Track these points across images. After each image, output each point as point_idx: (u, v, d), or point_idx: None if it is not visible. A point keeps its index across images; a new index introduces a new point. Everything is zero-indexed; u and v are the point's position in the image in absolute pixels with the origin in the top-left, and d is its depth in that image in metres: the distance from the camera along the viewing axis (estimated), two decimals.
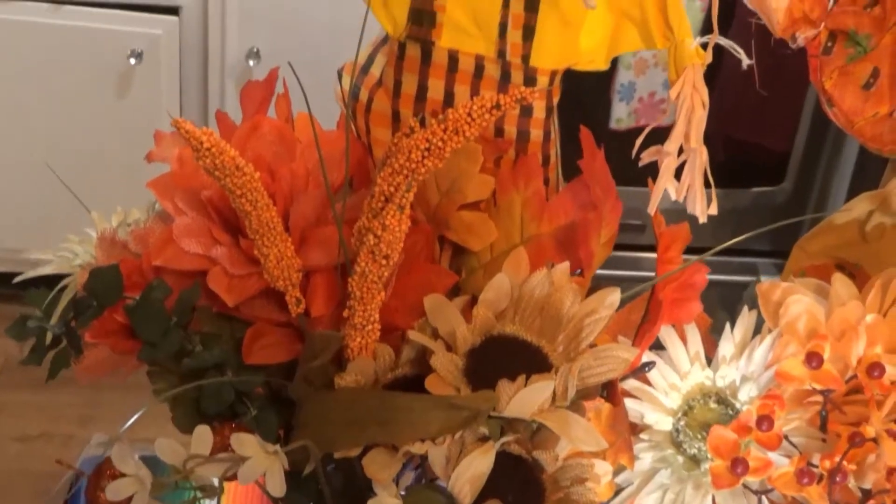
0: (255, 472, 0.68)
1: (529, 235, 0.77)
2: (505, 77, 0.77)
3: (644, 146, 0.75)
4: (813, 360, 0.73)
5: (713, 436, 0.73)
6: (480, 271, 0.79)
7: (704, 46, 0.74)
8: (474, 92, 0.77)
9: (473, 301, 0.75)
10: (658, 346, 0.81)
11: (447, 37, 0.76)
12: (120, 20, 2.10)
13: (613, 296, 0.73)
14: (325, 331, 0.72)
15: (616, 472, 0.78)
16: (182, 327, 0.76)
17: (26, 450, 2.11)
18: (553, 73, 0.77)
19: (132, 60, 2.10)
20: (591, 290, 0.74)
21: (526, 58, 0.76)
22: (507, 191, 0.77)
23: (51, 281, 0.86)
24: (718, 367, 0.81)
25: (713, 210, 0.74)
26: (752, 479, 0.73)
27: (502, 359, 0.72)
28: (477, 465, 0.68)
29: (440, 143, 0.68)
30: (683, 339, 0.81)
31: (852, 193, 2.30)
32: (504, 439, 0.70)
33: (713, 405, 0.80)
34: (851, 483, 0.73)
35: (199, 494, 0.70)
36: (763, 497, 0.76)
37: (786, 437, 0.75)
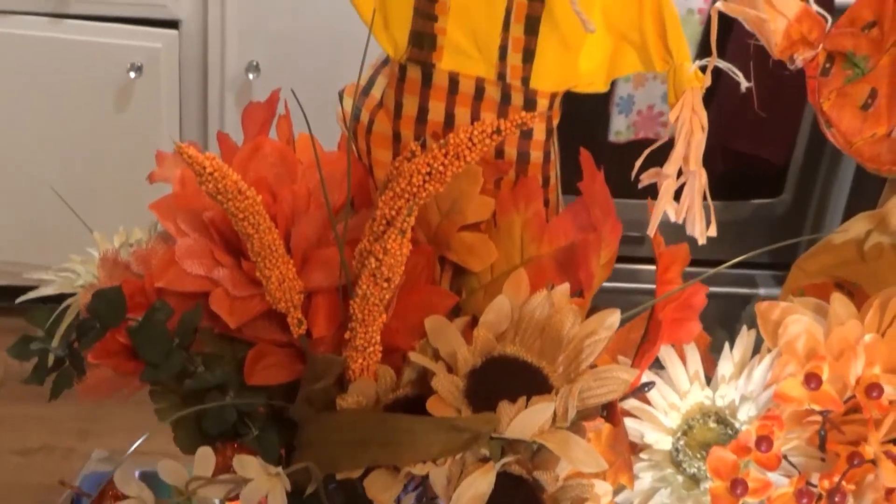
0: (258, 494, 0.68)
1: (529, 256, 0.78)
2: (505, 99, 0.77)
3: (643, 167, 0.75)
4: (811, 381, 0.73)
5: (712, 457, 0.73)
6: (481, 292, 0.79)
7: (703, 69, 0.74)
8: (475, 113, 0.78)
9: (474, 321, 0.76)
10: (658, 366, 0.82)
11: (448, 59, 0.77)
12: (120, 34, 2.11)
13: (613, 317, 0.73)
14: (328, 354, 0.72)
15: (616, 492, 0.79)
16: (184, 348, 0.76)
17: (26, 463, 2.11)
18: (553, 96, 0.78)
19: (132, 74, 2.11)
20: (591, 311, 0.75)
21: (526, 80, 0.77)
22: (507, 212, 0.78)
23: (53, 297, 0.86)
24: (718, 386, 0.81)
25: (712, 232, 0.75)
26: (752, 500, 0.73)
27: (503, 380, 0.73)
28: (478, 486, 0.69)
29: (441, 168, 0.69)
30: (683, 358, 0.82)
31: (851, 204, 2.30)
32: (505, 460, 0.70)
33: (713, 424, 0.81)
34: (850, 503, 0.74)
35: None
36: None
37: (785, 457, 0.75)
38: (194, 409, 0.72)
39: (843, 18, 0.81)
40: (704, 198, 0.75)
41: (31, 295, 0.85)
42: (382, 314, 0.71)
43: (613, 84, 2.11)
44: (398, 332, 0.77)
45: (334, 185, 0.80)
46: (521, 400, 0.70)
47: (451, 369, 0.72)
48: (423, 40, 0.77)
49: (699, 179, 0.73)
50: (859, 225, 0.85)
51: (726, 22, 0.78)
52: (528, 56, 0.76)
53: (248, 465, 0.69)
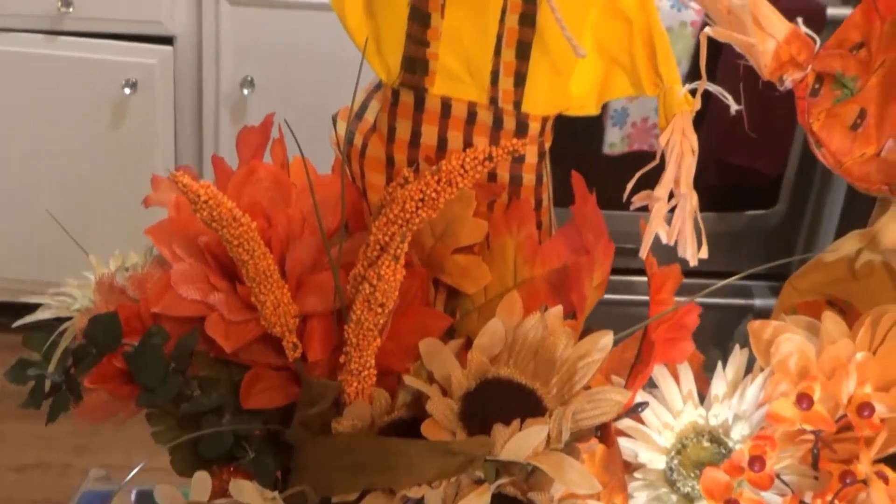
0: None
1: (523, 278, 0.78)
2: (497, 123, 0.78)
3: (636, 188, 0.76)
4: (803, 401, 0.73)
5: (705, 478, 0.74)
6: (475, 313, 0.80)
7: (693, 93, 0.75)
8: (467, 138, 0.78)
9: (468, 343, 0.76)
10: (652, 384, 0.82)
11: (440, 84, 0.78)
12: (115, 50, 2.11)
13: (606, 339, 0.74)
14: (323, 379, 0.73)
15: None
16: (180, 372, 0.77)
17: (23, 479, 2.11)
18: (544, 119, 0.79)
19: (127, 90, 2.11)
20: (585, 333, 0.75)
21: (518, 104, 0.77)
22: (500, 234, 0.79)
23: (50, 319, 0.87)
24: (711, 405, 0.82)
25: (703, 254, 0.75)
26: None
27: (497, 402, 0.73)
28: None
29: (434, 195, 0.69)
30: (676, 377, 0.82)
31: (845, 215, 2.31)
32: (499, 482, 0.71)
33: (706, 444, 0.81)
34: None
35: None
36: None
37: (778, 476, 0.75)
38: (191, 436, 0.72)
39: (831, 40, 0.82)
40: (695, 220, 0.75)
41: (28, 319, 0.86)
42: (377, 338, 0.72)
43: None
44: (393, 354, 0.77)
45: (329, 208, 0.80)
46: (516, 422, 0.70)
47: (445, 392, 0.73)
48: (416, 65, 0.78)
49: (690, 202, 0.74)
50: (850, 243, 0.86)
51: (717, 42, 0.79)
52: (520, 80, 0.77)
53: (244, 489, 0.69)
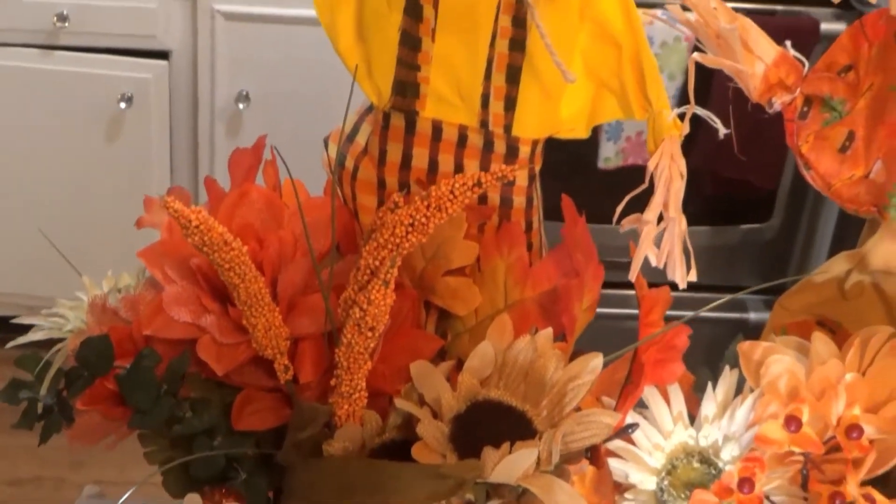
0: None
1: (513, 300, 0.79)
2: (488, 146, 0.78)
3: (626, 212, 0.76)
4: (792, 423, 0.74)
5: (695, 500, 0.74)
6: (466, 335, 0.80)
7: (682, 117, 0.75)
8: (458, 160, 0.79)
9: (459, 364, 0.77)
10: (642, 405, 0.83)
11: (431, 107, 0.78)
12: (110, 65, 2.11)
13: (596, 361, 0.74)
14: (314, 403, 0.73)
15: None
16: (172, 394, 0.77)
17: (18, 494, 2.11)
18: (535, 143, 0.79)
19: (122, 104, 2.12)
20: (575, 355, 0.76)
21: (508, 128, 0.78)
22: (490, 257, 0.79)
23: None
24: (701, 426, 0.82)
25: (692, 277, 0.76)
26: None
27: (488, 424, 0.73)
28: None
29: (423, 220, 0.70)
30: (667, 398, 0.83)
31: (840, 229, 2.32)
32: None
33: (696, 464, 0.81)
34: None
35: None
36: None
37: (767, 498, 0.76)
38: (182, 460, 0.72)
39: (819, 63, 0.82)
40: (685, 243, 0.76)
41: (21, 340, 0.86)
42: (367, 362, 0.72)
43: None
44: (384, 376, 0.77)
45: (321, 229, 0.81)
46: (506, 445, 0.70)
47: (436, 414, 0.73)
48: (407, 89, 0.78)
49: (679, 225, 0.74)
50: (839, 264, 0.87)
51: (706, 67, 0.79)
52: (510, 104, 0.77)
53: None
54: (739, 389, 0.83)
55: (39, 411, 0.79)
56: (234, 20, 2.10)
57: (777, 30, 2.02)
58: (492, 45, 0.76)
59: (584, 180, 2.13)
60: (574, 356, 0.75)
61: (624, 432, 0.80)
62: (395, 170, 0.80)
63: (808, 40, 2.03)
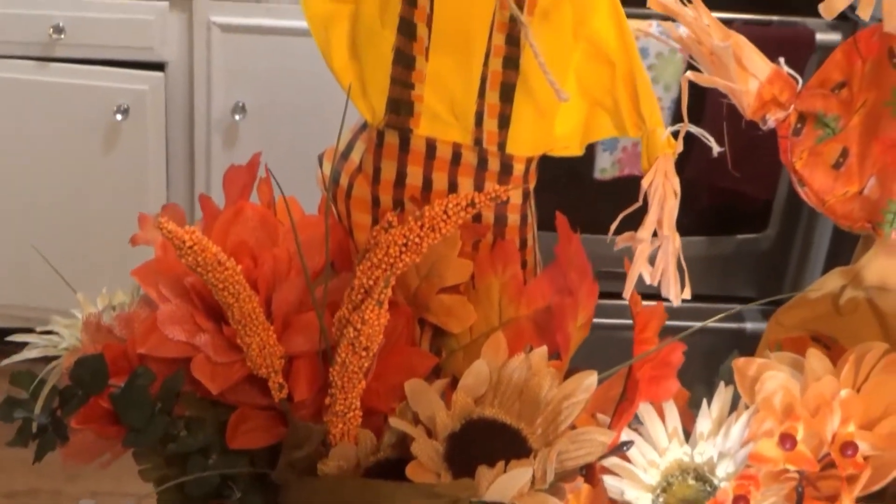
0: None
1: (508, 318, 0.79)
2: (482, 164, 0.79)
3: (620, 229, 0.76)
4: (786, 441, 0.74)
5: None
6: (460, 353, 0.80)
7: (676, 135, 0.75)
8: (452, 178, 0.79)
9: (454, 382, 0.77)
10: (637, 421, 0.83)
11: (425, 125, 0.78)
12: (106, 76, 2.12)
13: (590, 379, 0.74)
14: (308, 423, 0.73)
15: None
16: (167, 413, 0.77)
17: None
18: (529, 160, 0.79)
19: (118, 116, 2.12)
20: (569, 373, 0.76)
21: (502, 145, 0.78)
22: (485, 274, 0.79)
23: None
24: (696, 443, 0.82)
25: (687, 294, 0.76)
26: None
27: (482, 442, 0.73)
28: None
29: (417, 240, 0.70)
30: (661, 414, 0.82)
31: (836, 239, 2.32)
32: None
33: (691, 481, 0.81)
34: None
35: None
36: None
37: None
38: (177, 481, 0.72)
39: (813, 80, 0.82)
40: (679, 261, 0.76)
41: (16, 358, 0.86)
42: (362, 381, 0.72)
43: None
44: (378, 394, 0.77)
45: (315, 247, 0.81)
46: (500, 464, 0.70)
47: (430, 433, 0.73)
48: (401, 107, 0.78)
49: (673, 243, 0.74)
50: (834, 280, 0.87)
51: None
52: (504, 122, 0.77)
53: None
54: (734, 406, 0.83)
55: (34, 430, 0.79)
56: (231, 32, 2.11)
57: (772, 40, 2.03)
58: (485, 63, 0.76)
59: (580, 191, 2.13)
60: (569, 371, 0.75)
61: (619, 450, 0.80)
62: (390, 187, 0.80)
63: (803, 51, 2.04)
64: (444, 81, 0.77)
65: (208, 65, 2.12)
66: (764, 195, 2.22)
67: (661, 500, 0.81)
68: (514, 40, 0.75)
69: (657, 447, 0.82)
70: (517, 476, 0.70)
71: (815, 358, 0.81)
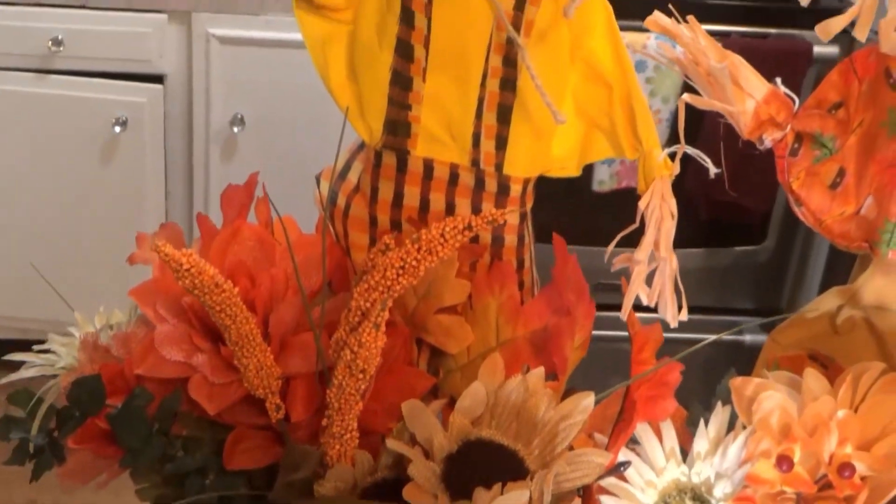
0: None
1: (505, 339, 0.79)
2: (479, 185, 0.79)
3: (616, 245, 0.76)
4: (783, 463, 0.74)
5: None
6: (457, 373, 0.80)
7: (672, 157, 0.75)
8: (449, 199, 0.79)
9: (452, 402, 0.77)
10: (634, 440, 0.83)
11: (422, 146, 0.78)
12: (105, 89, 2.12)
13: (587, 400, 0.74)
14: (305, 446, 0.73)
15: None
16: (164, 433, 0.77)
17: None
18: (526, 181, 0.79)
19: (117, 128, 2.12)
20: (567, 393, 0.76)
21: (499, 166, 0.78)
22: (482, 295, 0.79)
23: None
24: (693, 463, 0.82)
25: (683, 316, 0.76)
26: None
27: (479, 463, 0.73)
28: None
29: (414, 263, 0.70)
30: (659, 434, 0.82)
31: (834, 251, 2.31)
32: None
33: (689, 501, 0.81)
34: None
35: None
36: None
37: None
38: (175, 503, 0.72)
39: (810, 100, 0.82)
40: (676, 282, 0.76)
41: (13, 377, 0.86)
42: (358, 403, 0.72)
43: None
44: (376, 414, 0.77)
45: (313, 266, 0.81)
46: (497, 486, 0.70)
47: (427, 454, 0.73)
48: (398, 128, 0.78)
49: (670, 265, 0.74)
50: (830, 300, 0.87)
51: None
52: (501, 143, 0.77)
53: None
54: (732, 425, 0.83)
55: (31, 451, 0.79)
56: (229, 44, 2.11)
57: (770, 53, 2.03)
58: (483, 84, 0.76)
59: (578, 203, 2.13)
60: (567, 391, 0.75)
61: (616, 470, 0.80)
62: (387, 208, 0.80)
63: (801, 63, 2.04)
64: (442, 102, 0.77)
65: (207, 77, 2.13)
66: (762, 207, 2.22)
67: None
68: (511, 62, 0.75)
69: (654, 467, 0.82)
70: (514, 498, 0.70)
71: (813, 377, 0.81)
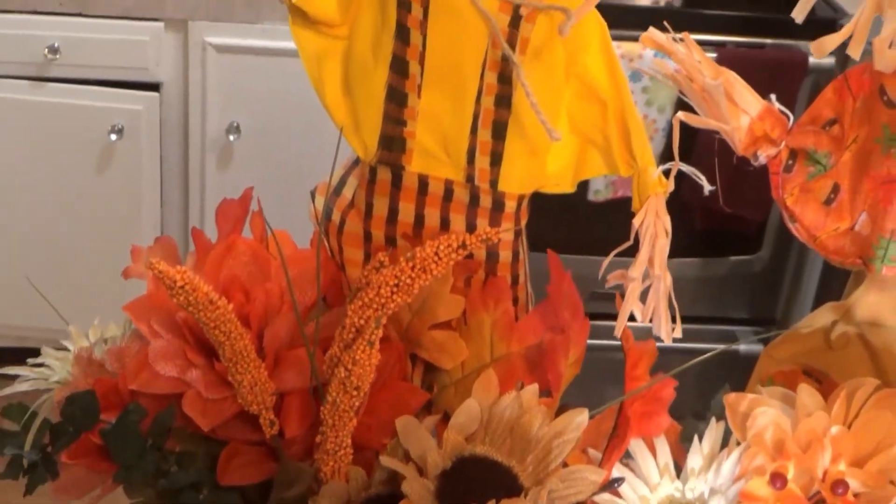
0: None
1: (499, 355, 0.79)
2: (474, 201, 0.79)
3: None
4: (777, 480, 0.74)
5: None
6: (452, 388, 0.80)
7: (667, 174, 0.76)
8: (444, 215, 0.79)
9: (446, 418, 0.77)
10: (628, 455, 0.83)
11: (417, 162, 0.78)
12: (101, 96, 2.12)
13: (581, 417, 0.74)
14: (299, 463, 0.73)
15: None
16: (157, 448, 0.77)
17: None
18: (521, 197, 0.79)
19: (113, 136, 2.12)
20: (560, 410, 0.76)
21: (494, 182, 0.78)
22: (477, 311, 0.79)
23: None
24: (688, 479, 0.82)
25: (678, 333, 0.76)
26: None
27: (474, 480, 0.73)
28: None
29: (408, 281, 0.70)
30: (653, 449, 0.82)
31: (828, 262, 2.31)
32: None
33: None
34: None
35: None
36: None
37: None
38: None
39: (804, 116, 0.82)
40: (670, 299, 0.76)
41: (7, 391, 0.86)
42: (353, 419, 0.72)
43: None
44: (370, 429, 0.77)
45: (308, 281, 0.81)
46: (491, 502, 0.70)
47: (421, 471, 0.73)
48: (393, 144, 0.78)
49: (664, 282, 0.74)
50: (825, 315, 0.87)
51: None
52: (496, 159, 0.77)
53: None
54: (726, 441, 0.83)
55: (25, 465, 0.79)
56: (225, 52, 2.11)
57: (766, 63, 2.03)
58: (478, 100, 0.76)
59: (574, 213, 2.13)
60: (561, 408, 0.75)
61: (610, 486, 0.80)
62: (382, 223, 0.80)
63: (797, 74, 2.04)
64: (437, 118, 0.77)
65: (203, 85, 2.13)
66: (757, 217, 2.23)
67: None
68: (506, 79, 0.75)
69: (648, 483, 0.82)
70: None
71: (807, 393, 0.81)
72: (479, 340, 0.79)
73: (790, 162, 0.83)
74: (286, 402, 0.77)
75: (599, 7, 0.74)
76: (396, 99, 0.77)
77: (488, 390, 0.75)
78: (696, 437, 0.82)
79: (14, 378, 0.88)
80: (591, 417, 0.76)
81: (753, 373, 0.92)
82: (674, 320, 0.76)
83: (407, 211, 0.79)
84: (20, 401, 0.84)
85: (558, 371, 0.76)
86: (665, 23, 0.81)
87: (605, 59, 0.76)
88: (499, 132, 0.77)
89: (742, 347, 2.31)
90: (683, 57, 0.79)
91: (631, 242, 0.74)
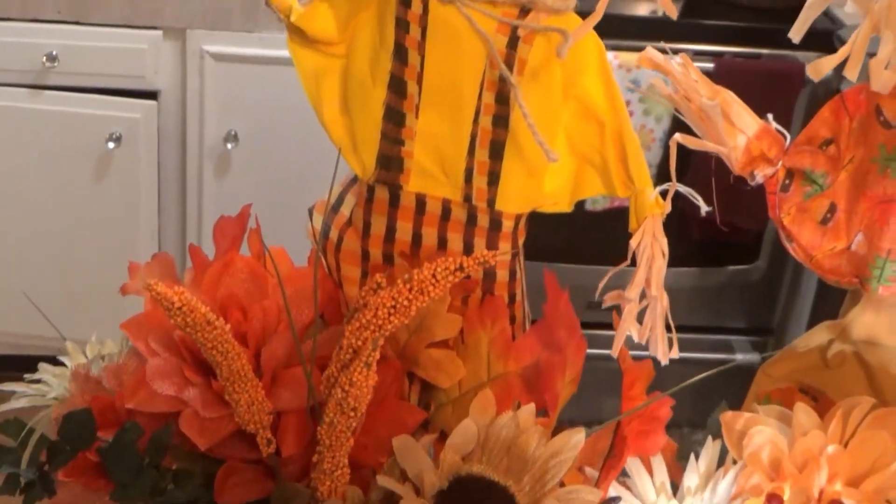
0: None
1: (496, 373, 0.79)
2: (471, 220, 0.79)
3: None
4: (773, 501, 0.74)
5: None
6: (449, 407, 0.80)
7: (664, 195, 0.76)
8: (441, 234, 0.79)
9: (443, 436, 0.77)
10: (625, 474, 0.83)
11: (415, 181, 0.79)
12: (99, 104, 2.12)
13: (578, 437, 0.74)
14: (296, 484, 0.73)
15: None
16: (154, 467, 0.77)
17: None
18: (518, 217, 0.79)
19: (111, 144, 2.12)
20: (557, 429, 0.76)
21: (491, 202, 0.78)
22: (474, 330, 0.79)
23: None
24: (684, 497, 0.82)
25: (674, 353, 0.76)
26: None
27: (470, 499, 0.73)
28: None
29: (406, 302, 0.70)
30: (649, 468, 0.83)
31: None
32: None
33: None
34: None
35: None
36: None
37: None
38: None
39: (800, 136, 0.83)
40: (666, 319, 0.76)
41: (4, 408, 0.86)
42: (350, 439, 0.72)
43: None
44: (367, 448, 0.78)
45: (305, 299, 0.81)
46: None
47: (418, 490, 0.73)
48: (391, 163, 0.78)
49: (661, 303, 0.74)
50: (821, 334, 0.87)
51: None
52: (493, 179, 0.78)
53: None
54: (722, 460, 0.83)
55: (22, 483, 0.79)
56: (223, 61, 2.11)
57: (763, 73, 2.02)
58: (475, 121, 0.77)
59: (571, 223, 2.13)
60: (557, 427, 0.75)
61: None
62: (379, 242, 0.80)
63: (794, 84, 2.05)
64: (434, 138, 0.77)
65: (201, 93, 2.13)
66: (755, 227, 2.23)
67: None
68: (503, 99, 0.75)
69: (645, 502, 0.82)
70: None
71: (803, 412, 0.81)
72: (476, 359, 0.79)
73: (787, 181, 0.83)
74: (283, 420, 0.77)
75: None
76: (394, 119, 0.78)
77: (485, 410, 0.75)
78: (692, 456, 0.83)
79: (11, 394, 0.88)
80: (587, 436, 0.76)
81: (750, 390, 0.92)
82: (670, 341, 0.76)
83: (404, 230, 0.79)
84: (17, 416, 0.84)
85: (555, 390, 0.76)
86: (663, 42, 0.81)
87: (602, 80, 0.76)
88: (496, 152, 0.77)
89: (738, 357, 2.31)
90: (681, 77, 0.79)
91: (628, 263, 0.75)
